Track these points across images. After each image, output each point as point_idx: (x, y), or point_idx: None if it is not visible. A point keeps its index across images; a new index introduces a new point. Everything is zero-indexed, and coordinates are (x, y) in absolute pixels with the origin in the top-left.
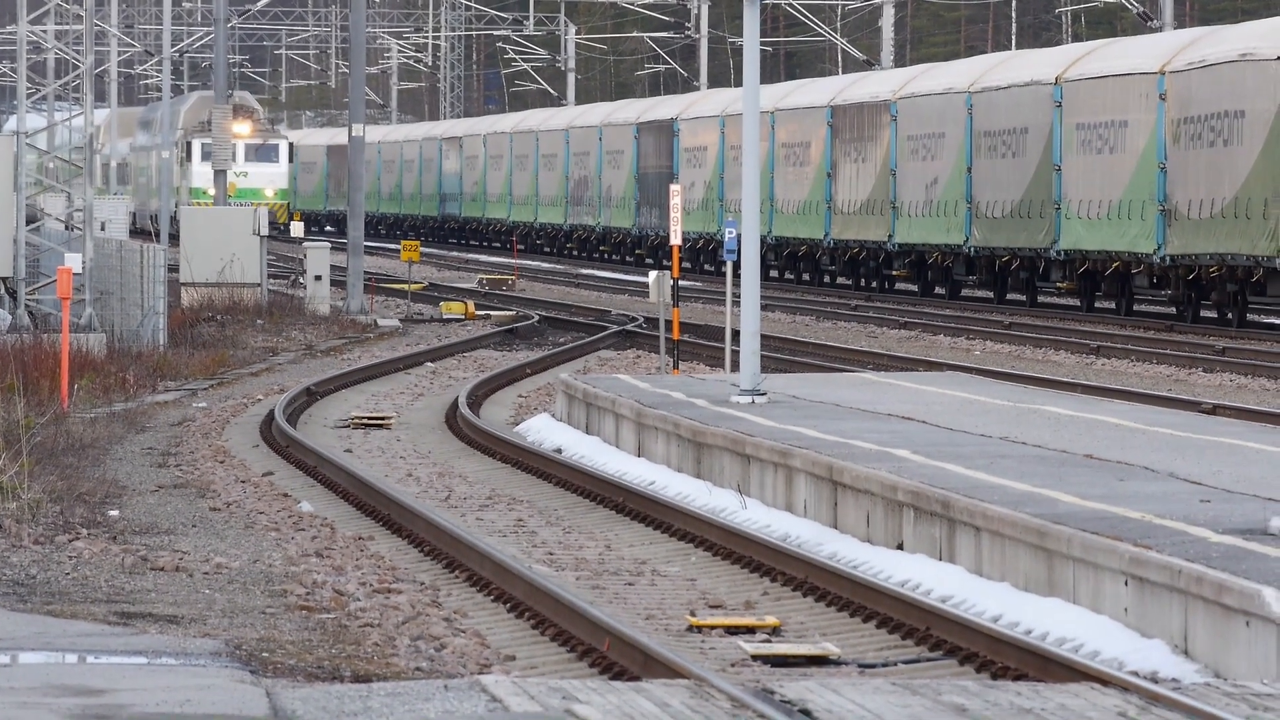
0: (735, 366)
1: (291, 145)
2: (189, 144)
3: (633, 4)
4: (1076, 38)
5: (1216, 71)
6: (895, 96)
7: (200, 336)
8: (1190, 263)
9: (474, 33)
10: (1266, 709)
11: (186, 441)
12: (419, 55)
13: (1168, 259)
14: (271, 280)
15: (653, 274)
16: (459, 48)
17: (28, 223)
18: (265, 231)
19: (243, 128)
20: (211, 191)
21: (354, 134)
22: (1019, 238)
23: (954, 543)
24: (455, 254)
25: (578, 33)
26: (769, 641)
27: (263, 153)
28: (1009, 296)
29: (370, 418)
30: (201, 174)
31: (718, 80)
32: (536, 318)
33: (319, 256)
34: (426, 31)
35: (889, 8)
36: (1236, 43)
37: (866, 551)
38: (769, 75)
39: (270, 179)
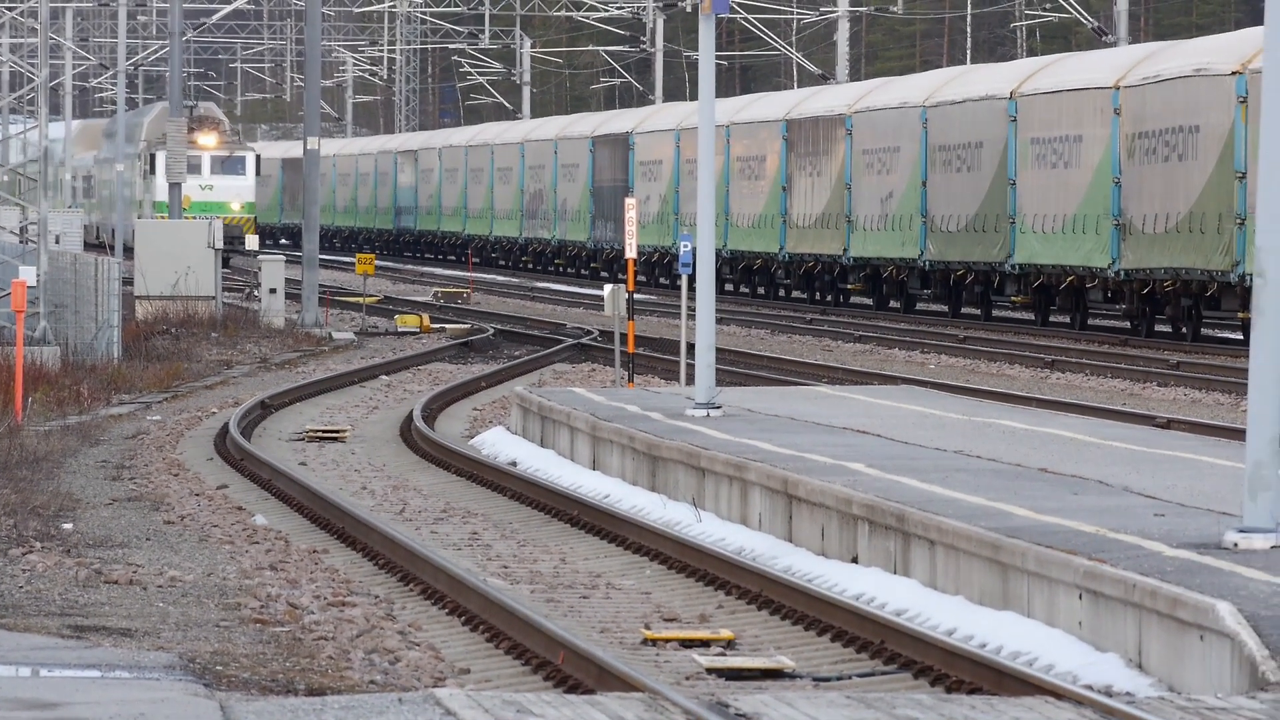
0: (690, 380)
1: (258, 158)
2: (152, 156)
3: (588, 18)
4: (1031, 52)
5: (1171, 86)
6: (850, 111)
7: (155, 349)
8: (1145, 277)
9: (429, 46)
10: None
11: (140, 454)
12: (374, 69)
13: (1122, 273)
14: (226, 293)
15: (608, 287)
16: (414, 61)
17: None
18: (220, 245)
19: (209, 139)
20: None
21: (309, 147)
22: (974, 252)
23: (909, 556)
24: (410, 267)
25: (533, 46)
26: (724, 655)
27: (229, 165)
28: (964, 310)
29: (325, 431)
30: (165, 187)
31: (673, 94)
32: (491, 331)
33: (274, 270)
34: (382, 45)
35: (844, 22)
36: (1191, 57)
37: (821, 565)
38: (724, 89)
39: (237, 192)
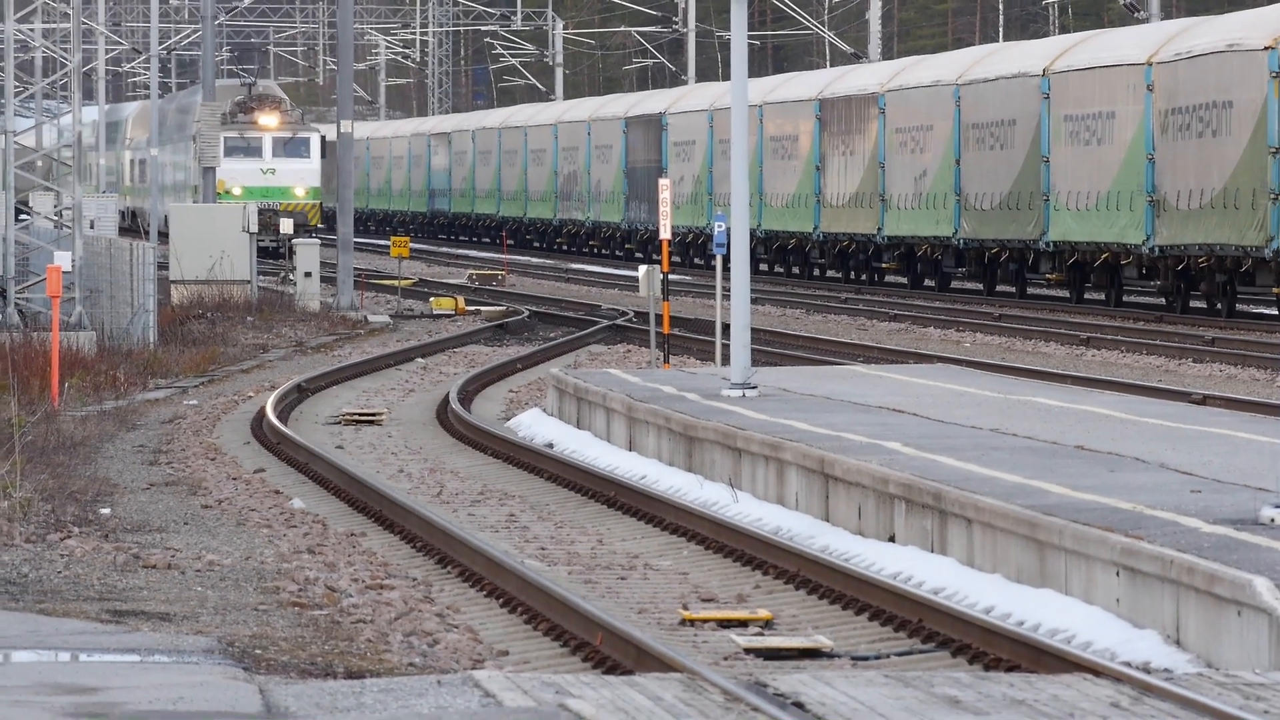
0: (726, 360)
1: (324, 139)
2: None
3: None
4: (1064, 29)
5: (1204, 62)
6: (883, 89)
7: (190, 334)
8: (1179, 253)
9: (462, 28)
10: (1258, 698)
11: (177, 439)
12: (407, 51)
13: (1156, 250)
14: (261, 277)
15: (642, 268)
16: (447, 43)
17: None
18: (254, 229)
19: (269, 119)
20: (236, 190)
21: (343, 130)
22: (1008, 229)
23: (946, 535)
24: (445, 250)
25: (565, 27)
26: (761, 635)
27: (292, 147)
28: (998, 288)
29: (361, 414)
30: (225, 171)
31: (705, 74)
32: (527, 313)
33: (309, 253)
34: (414, 27)
35: (876, 1)
36: (1224, 33)
37: (858, 544)
38: (757, 69)
39: (300, 176)
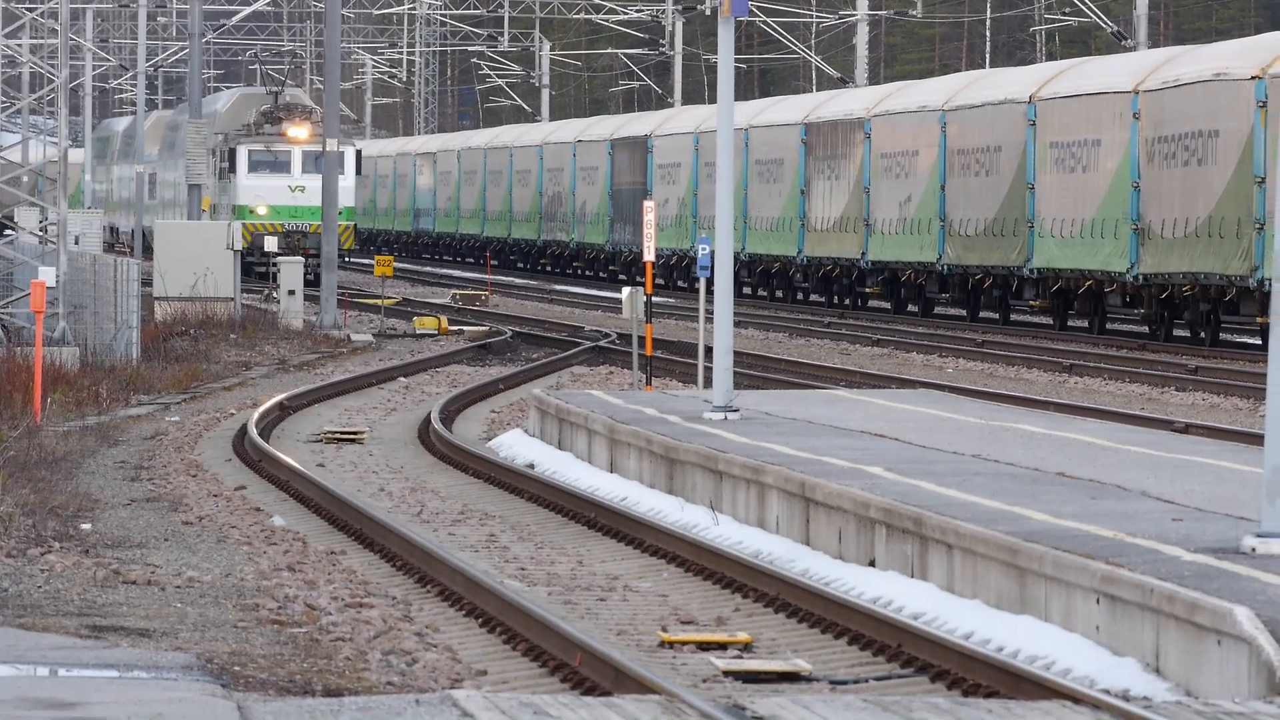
0: (708, 383)
1: (359, 154)
2: (233, 151)
3: (608, 21)
4: (1050, 57)
5: (1190, 91)
6: (869, 114)
7: (173, 350)
8: (1163, 282)
9: (449, 48)
10: None
11: (159, 455)
12: (393, 71)
13: (1140, 278)
14: (245, 294)
15: (626, 290)
16: (433, 63)
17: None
18: (239, 246)
19: (299, 131)
20: (261, 210)
21: (328, 149)
22: (992, 256)
23: (926, 560)
24: (429, 269)
25: (552, 49)
26: (740, 658)
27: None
28: (982, 314)
29: (343, 432)
30: (249, 188)
31: (692, 97)
32: (510, 333)
33: (292, 271)
34: (401, 47)
35: (863, 26)
36: (1210, 62)
37: (839, 568)
38: (743, 92)
39: None
